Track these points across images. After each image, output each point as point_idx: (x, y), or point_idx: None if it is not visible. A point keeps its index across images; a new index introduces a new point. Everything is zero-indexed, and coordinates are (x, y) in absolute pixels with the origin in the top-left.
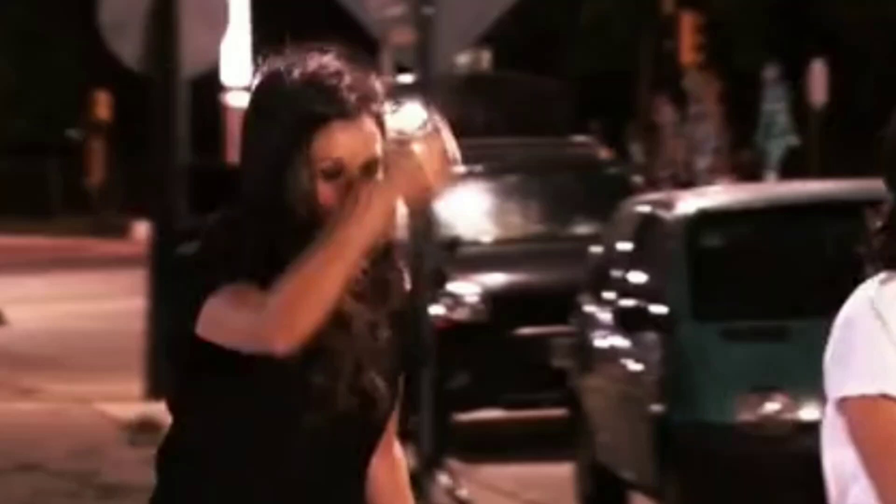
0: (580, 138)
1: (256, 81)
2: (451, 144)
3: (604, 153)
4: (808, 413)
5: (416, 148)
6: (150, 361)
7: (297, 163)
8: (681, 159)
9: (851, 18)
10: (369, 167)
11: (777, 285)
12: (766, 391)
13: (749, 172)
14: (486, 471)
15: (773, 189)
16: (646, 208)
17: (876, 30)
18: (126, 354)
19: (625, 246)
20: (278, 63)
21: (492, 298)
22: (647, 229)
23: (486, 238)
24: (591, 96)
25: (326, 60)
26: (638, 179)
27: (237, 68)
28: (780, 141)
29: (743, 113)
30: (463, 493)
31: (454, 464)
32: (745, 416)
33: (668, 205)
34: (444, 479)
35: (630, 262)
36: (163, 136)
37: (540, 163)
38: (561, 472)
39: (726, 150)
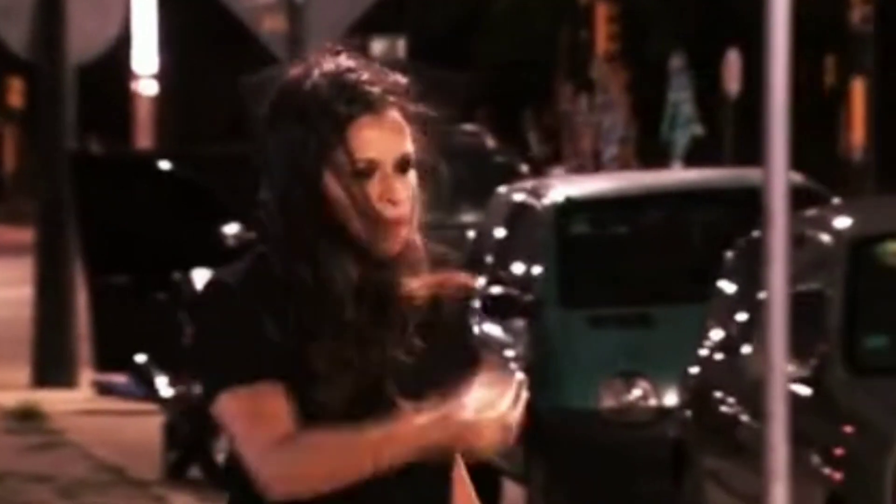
0: (468, 126)
1: (275, 89)
2: (514, 414)
3: (491, 141)
4: (670, 399)
5: (474, 406)
6: (35, 350)
7: (328, 168)
8: (589, 149)
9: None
10: (402, 163)
11: (643, 273)
12: (630, 378)
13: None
14: None
15: (641, 178)
16: (518, 196)
17: (792, 18)
18: (17, 342)
19: (498, 233)
20: (295, 68)
21: None
22: (518, 217)
23: None
24: (508, 86)
25: (343, 59)
26: (524, 167)
27: (145, 56)
28: (685, 130)
29: (655, 102)
30: None
31: None
32: (609, 402)
33: (538, 192)
34: None
35: (502, 249)
36: (49, 122)
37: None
38: None
39: (633, 139)
